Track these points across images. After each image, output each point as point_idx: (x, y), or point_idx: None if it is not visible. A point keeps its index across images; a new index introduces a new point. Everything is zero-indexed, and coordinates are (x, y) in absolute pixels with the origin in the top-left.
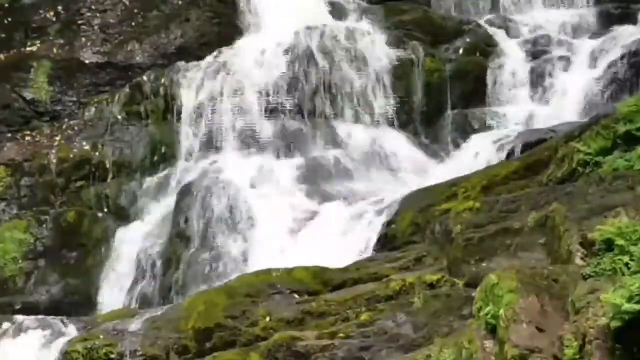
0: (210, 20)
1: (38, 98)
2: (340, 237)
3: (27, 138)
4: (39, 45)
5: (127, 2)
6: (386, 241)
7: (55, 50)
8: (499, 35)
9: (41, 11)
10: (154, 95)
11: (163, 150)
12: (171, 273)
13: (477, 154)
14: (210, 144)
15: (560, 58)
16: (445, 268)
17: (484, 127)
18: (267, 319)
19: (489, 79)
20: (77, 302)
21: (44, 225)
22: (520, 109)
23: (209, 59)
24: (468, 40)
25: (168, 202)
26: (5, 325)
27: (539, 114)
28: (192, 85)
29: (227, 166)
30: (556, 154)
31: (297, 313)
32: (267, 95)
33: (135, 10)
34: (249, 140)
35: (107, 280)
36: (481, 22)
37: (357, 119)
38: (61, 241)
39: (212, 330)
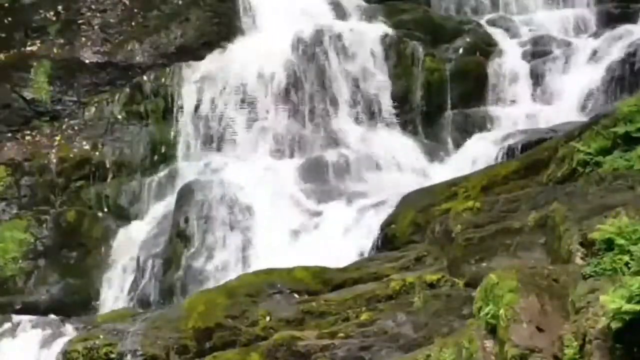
0: (211, 20)
1: (38, 98)
2: (341, 237)
3: (27, 138)
4: (39, 45)
5: (127, 2)
6: (386, 241)
7: (55, 50)
8: (499, 35)
9: (41, 11)
10: (154, 95)
11: (163, 150)
12: (171, 273)
13: (477, 153)
14: (211, 144)
15: (561, 58)
16: (445, 268)
17: (484, 127)
18: (267, 318)
19: (489, 79)
20: (77, 302)
21: (44, 225)
22: (520, 108)
23: (209, 58)
24: (468, 40)
25: (168, 202)
26: (5, 325)
27: (539, 114)
28: (192, 85)
29: (227, 166)
30: (556, 153)
31: (297, 313)
32: (267, 95)
33: (135, 10)
34: (248, 140)
35: (107, 280)
36: (481, 22)
37: (357, 119)
38: (61, 241)
39: (212, 330)
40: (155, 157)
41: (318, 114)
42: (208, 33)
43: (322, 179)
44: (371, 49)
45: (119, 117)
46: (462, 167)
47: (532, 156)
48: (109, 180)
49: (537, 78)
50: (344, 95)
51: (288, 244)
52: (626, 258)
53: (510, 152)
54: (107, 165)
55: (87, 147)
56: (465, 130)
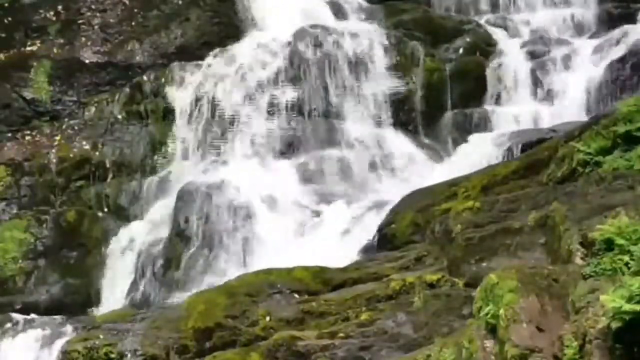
0: (211, 20)
1: (38, 98)
2: (341, 237)
3: (27, 138)
4: (39, 45)
5: (127, 2)
6: (386, 241)
7: (55, 50)
8: (499, 35)
9: (41, 11)
10: (154, 95)
11: (163, 150)
12: (171, 273)
13: (477, 153)
14: (210, 144)
15: (561, 58)
16: (445, 268)
17: (484, 127)
18: (267, 318)
19: (489, 79)
20: (77, 302)
21: (44, 225)
22: (521, 108)
23: (209, 58)
24: (468, 40)
25: (168, 202)
26: (5, 325)
27: (539, 114)
28: (192, 85)
29: (227, 166)
30: (556, 153)
31: (297, 313)
32: (267, 95)
33: (135, 10)
34: (249, 140)
35: (107, 280)
36: (481, 22)
37: (357, 119)
38: (61, 241)
39: (212, 330)
40: (155, 157)
41: (318, 114)
42: (208, 33)
43: (321, 179)
44: (371, 49)
45: (119, 117)
46: (462, 167)
47: (532, 156)
48: (109, 180)
49: (537, 78)
50: (344, 95)
51: (288, 243)
52: (626, 258)
53: (510, 152)
54: (107, 165)
55: (87, 147)
56: (465, 130)
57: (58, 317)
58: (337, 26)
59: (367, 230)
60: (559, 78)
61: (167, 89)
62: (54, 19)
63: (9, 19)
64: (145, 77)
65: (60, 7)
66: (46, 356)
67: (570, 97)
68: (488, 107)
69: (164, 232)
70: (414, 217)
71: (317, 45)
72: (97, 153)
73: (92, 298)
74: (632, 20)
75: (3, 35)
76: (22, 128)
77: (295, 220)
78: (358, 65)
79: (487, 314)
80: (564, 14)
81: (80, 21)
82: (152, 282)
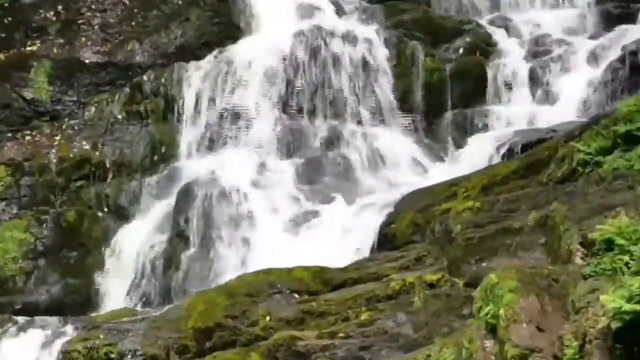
0: (211, 20)
1: (38, 98)
2: (340, 237)
3: (27, 138)
4: (39, 45)
5: (127, 2)
6: (386, 241)
7: (55, 50)
8: (499, 35)
9: (41, 11)
10: (154, 95)
11: (163, 150)
12: (171, 273)
13: (477, 153)
14: (210, 144)
15: (561, 58)
16: (445, 268)
17: (484, 127)
18: (267, 318)
19: (489, 79)
20: (77, 302)
21: (44, 225)
22: (521, 108)
23: (209, 58)
24: (468, 40)
25: (168, 202)
26: (6, 325)
27: (539, 114)
28: (192, 84)
29: (227, 166)
30: (556, 153)
31: (297, 313)
32: (267, 95)
33: (135, 10)
34: (248, 140)
35: (107, 280)
36: (481, 22)
37: (357, 119)
38: (61, 241)
39: (212, 330)
40: (155, 157)
41: (318, 114)
42: (208, 33)
43: (321, 178)
44: (371, 49)
45: (119, 117)
46: (462, 167)
47: (532, 156)
48: (109, 180)
49: (537, 78)
50: (344, 95)
51: (288, 243)
52: (626, 258)
53: (510, 152)
54: (107, 165)
55: (87, 147)
56: (465, 130)
57: (58, 317)
58: (337, 26)
59: (367, 230)
60: (558, 78)
61: (167, 89)
62: (54, 19)
63: (9, 19)
64: (145, 77)
65: (60, 7)
66: (46, 356)
67: (570, 97)
68: (488, 107)
69: (164, 232)
70: (414, 217)
71: (317, 45)
72: (97, 153)
73: (92, 298)
74: (632, 20)
75: (3, 35)
76: (22, 128)
77: (294, 220)
78: (358, 66)
79: (487, 314)
80: (564, 14)
81: (80, 21)
82: (152, 282)
